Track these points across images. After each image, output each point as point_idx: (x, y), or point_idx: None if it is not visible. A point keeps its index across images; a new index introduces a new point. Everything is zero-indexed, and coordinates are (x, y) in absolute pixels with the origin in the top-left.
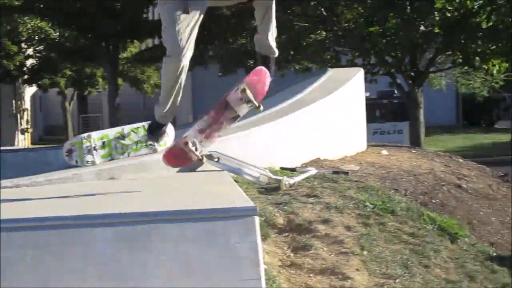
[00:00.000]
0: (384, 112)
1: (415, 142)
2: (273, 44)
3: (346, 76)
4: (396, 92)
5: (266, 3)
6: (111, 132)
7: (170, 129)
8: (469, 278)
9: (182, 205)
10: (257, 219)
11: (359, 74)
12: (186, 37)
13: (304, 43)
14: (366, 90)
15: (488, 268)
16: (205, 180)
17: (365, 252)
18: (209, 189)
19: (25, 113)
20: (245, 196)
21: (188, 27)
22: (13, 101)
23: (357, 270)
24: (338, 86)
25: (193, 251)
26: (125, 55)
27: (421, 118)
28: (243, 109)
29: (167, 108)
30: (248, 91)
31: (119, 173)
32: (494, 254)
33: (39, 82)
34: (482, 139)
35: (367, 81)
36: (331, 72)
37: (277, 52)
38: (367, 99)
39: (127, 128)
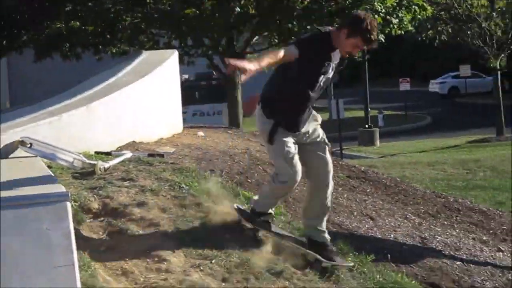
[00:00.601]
0: (203, 93)
1: (234, 123)
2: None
3: (160, 58)
4: (214, 73)
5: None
6: None
7: None
8: None
9: None
10: (69, 205)
11: (173, 56)
12: (298, 163)
13: (120, 26)
14: (186, 72)
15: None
16: (17, 166)
17: (181, 234)
18: (20, 176)
19: None
20: (57, 182)
21: (296, 153)
22: None
23: (173, 252)
24: (152, 69)
25: (4, 239)
26: None
27: (239, 98)
28: None
29: (271, 207)
30: None
31: None
32: None
33: None
34: None
35: (184, 63)
36: (145, 55)
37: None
38: (186, 81)
39: None
